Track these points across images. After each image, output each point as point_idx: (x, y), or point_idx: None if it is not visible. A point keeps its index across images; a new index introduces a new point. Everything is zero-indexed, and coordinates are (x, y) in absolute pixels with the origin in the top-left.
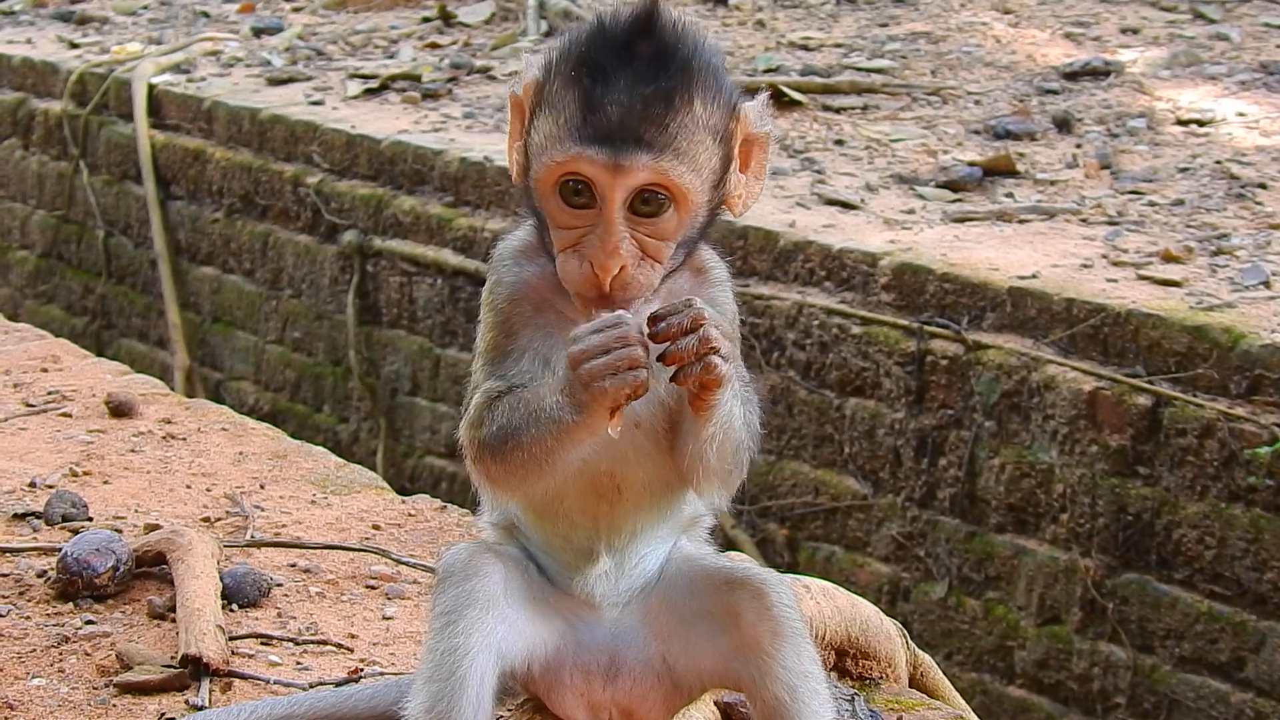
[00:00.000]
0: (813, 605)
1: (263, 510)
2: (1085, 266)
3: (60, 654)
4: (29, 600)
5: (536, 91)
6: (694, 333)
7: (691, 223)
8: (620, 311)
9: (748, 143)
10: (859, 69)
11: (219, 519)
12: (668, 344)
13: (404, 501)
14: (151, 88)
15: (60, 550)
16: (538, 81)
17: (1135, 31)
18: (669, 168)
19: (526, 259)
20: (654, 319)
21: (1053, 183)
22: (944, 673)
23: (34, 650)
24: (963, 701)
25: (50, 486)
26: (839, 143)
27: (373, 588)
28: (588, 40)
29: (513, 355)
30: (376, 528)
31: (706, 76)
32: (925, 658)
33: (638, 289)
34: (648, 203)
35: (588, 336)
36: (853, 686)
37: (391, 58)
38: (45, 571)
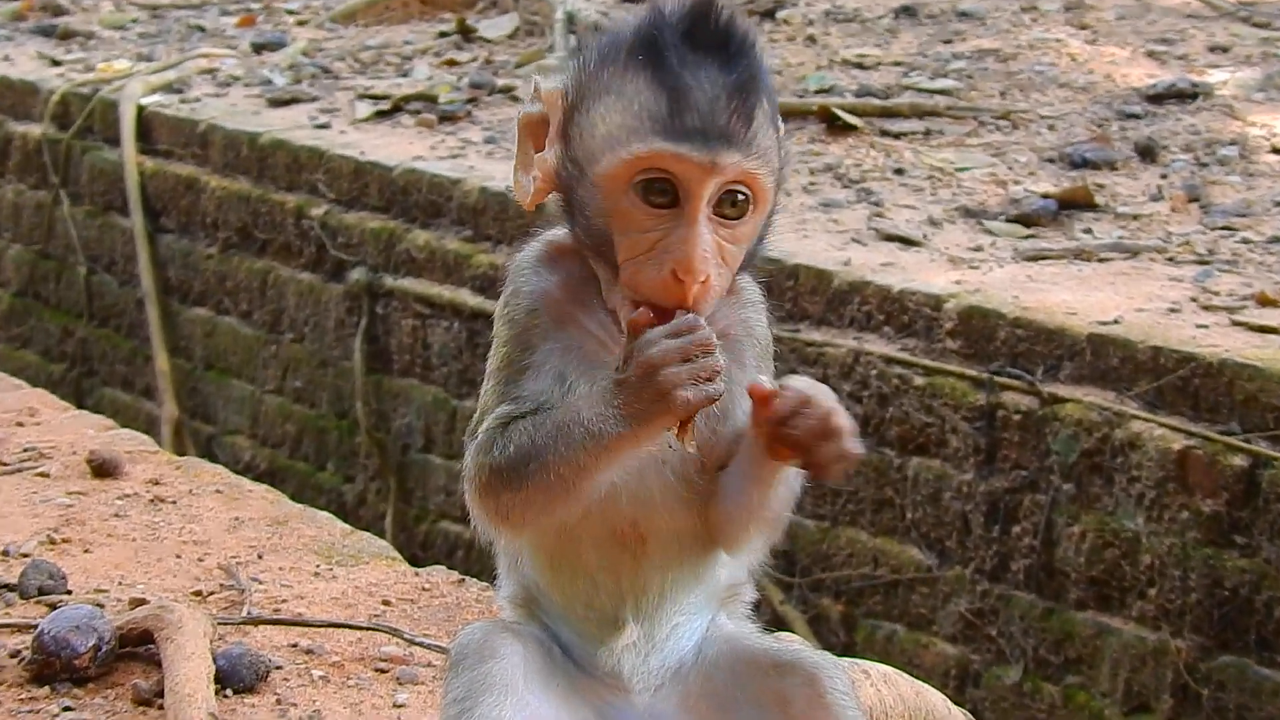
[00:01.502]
0: (872, 693)
1: (261, 583)
2: (1173, 311)
3: None
4: (1, 684)
5: (578, 88)
6: (833, 438)
7: (761, 229)
8: (690, 314)
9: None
10: (920, 90)
11: (212, 593)
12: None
13: (417, 574)
14: (140, 109)
15: (36, 627)
16: (577, 81)
17: (1225, 50)
18: (756, 166)
19: (548, 268)
20: (780, 420)
21: (1135, 217)
22: None
23: None
24: None
25: (25, 555)
26: (898, 172)
27: (383, 671)
28: (650, 24)
29: (528, 373)
30: (387, 603)
31: (769, 76)
32: None
33: (714, 297)
34: (733, 203)
35: (663, 340)
36: None
37: (405, 76)
38: (19, 651)
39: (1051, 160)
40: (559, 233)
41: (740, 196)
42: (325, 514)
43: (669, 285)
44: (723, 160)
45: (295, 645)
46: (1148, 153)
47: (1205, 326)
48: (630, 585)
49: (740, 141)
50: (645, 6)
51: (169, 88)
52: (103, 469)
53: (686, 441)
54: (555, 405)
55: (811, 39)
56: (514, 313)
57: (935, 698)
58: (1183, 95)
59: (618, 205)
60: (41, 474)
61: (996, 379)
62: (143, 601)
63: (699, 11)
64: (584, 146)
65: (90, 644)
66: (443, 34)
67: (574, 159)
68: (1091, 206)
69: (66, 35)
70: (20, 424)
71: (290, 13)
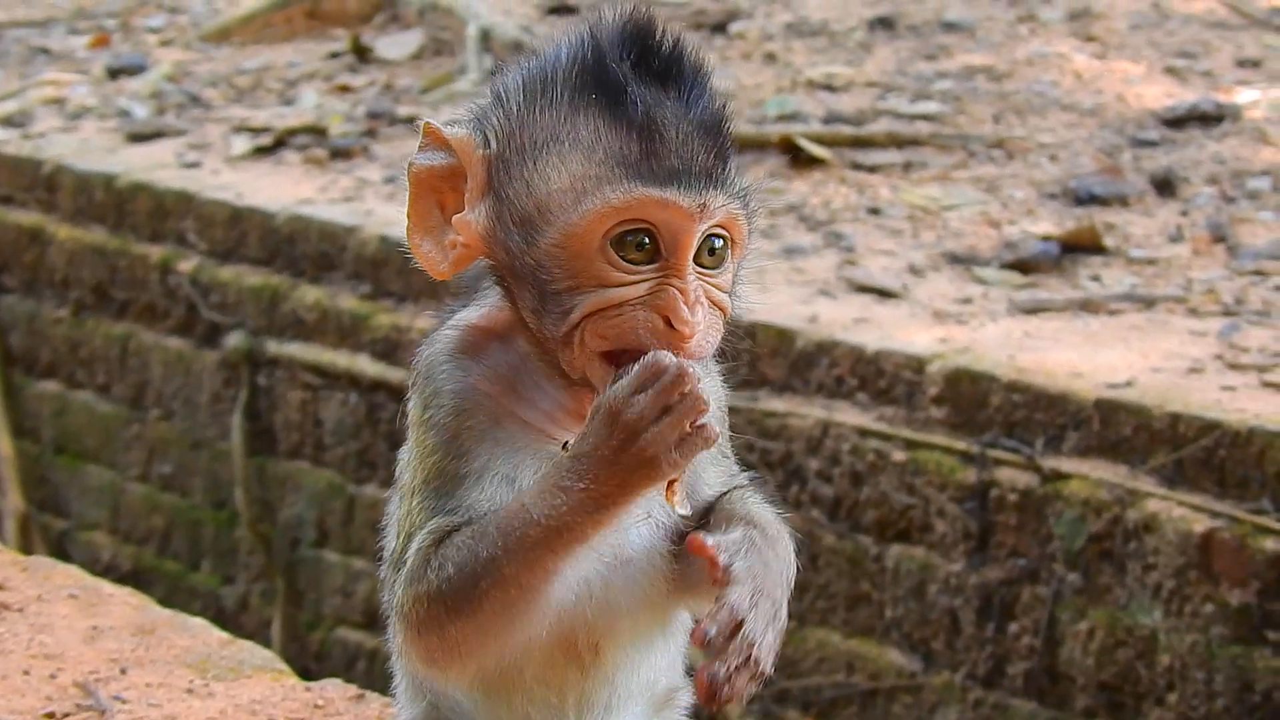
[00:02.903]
0: None
1: (124, 702)
2: (1195, 371)
3: None
4: None
5: (506, 135)
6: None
7: (737, 276)
8: (657, 353)
9: None
10: (899, 115)
11: (67, 714)
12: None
13: (309, 689)
14: None
15: None
16: (504, 128)
17: (1256, 64)
18: (738, 208)
19: (469, 358)
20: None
21: (1151, 261)
22: None
23: None
24: None
25: None
26: (874, 211)
27: None
28: (588, 55)
29: (468, 481)
30: None
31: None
32: None
33: (712, 349)
34: (711, 252)
35: (634, 397)
36: None
37: (289, 105)
38: None
39: (1053, 196)
40: (472, 312)
41: (719, 242)
42: (200, 620)
43: (662, 335)
44: (712, 203)
45: None
46: (1166, 186)
47: (1232, 388)
48: (576, 700)
49: (722, 180)
50: (566, 34)
51: (8, 121)
52: None
53: (677, 503)
54: (505, 505)
55: (771, 56)
56: (438, 416)
57: None
58: (1206, 118)
59: (588, 266)
60: None
61: (989, 453)
62: None
63: (641, 36)
64: (534, 203)
65: None
66: (334, 54)
67: (519, 219)
68: (1100, 250)
69: None
70: None
71: (152, 31)
